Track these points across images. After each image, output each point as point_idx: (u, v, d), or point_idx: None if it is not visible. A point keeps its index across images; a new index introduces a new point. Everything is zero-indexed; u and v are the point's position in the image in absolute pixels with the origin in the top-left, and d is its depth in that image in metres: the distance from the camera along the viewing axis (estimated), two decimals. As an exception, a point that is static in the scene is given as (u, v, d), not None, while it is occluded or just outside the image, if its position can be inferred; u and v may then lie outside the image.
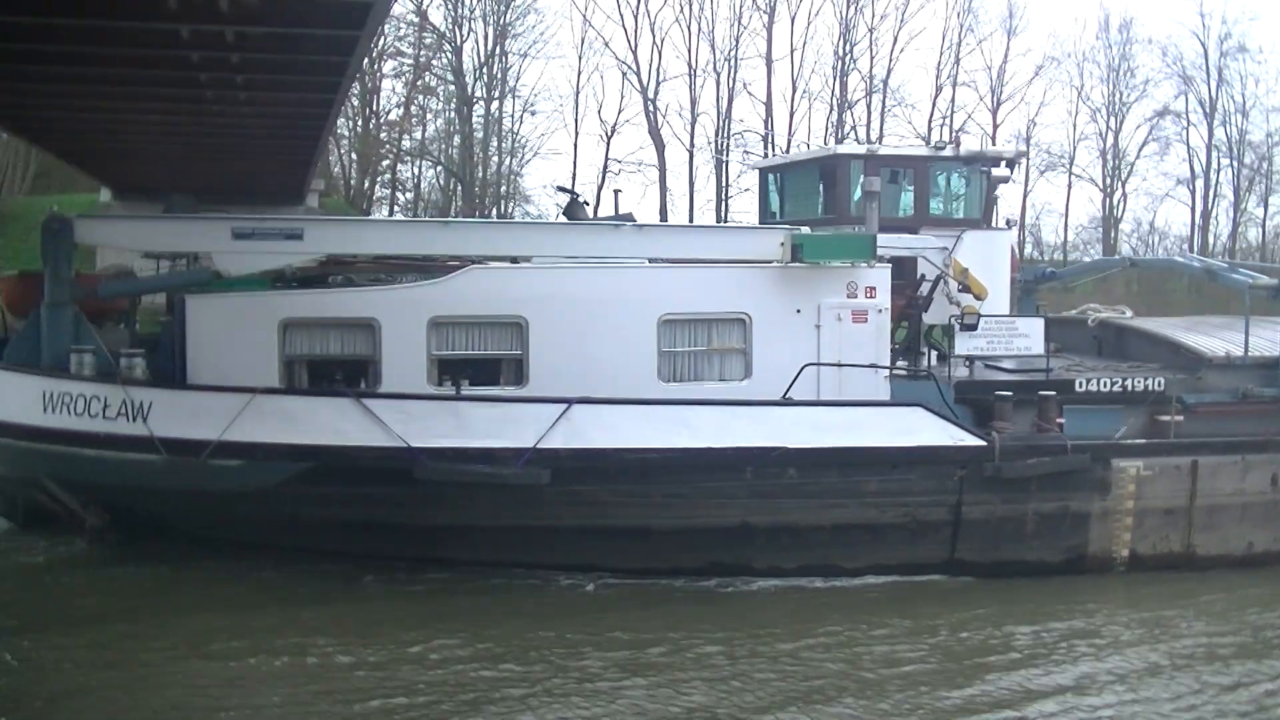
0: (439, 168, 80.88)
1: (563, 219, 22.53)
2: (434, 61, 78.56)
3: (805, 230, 20.09)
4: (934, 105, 78.30)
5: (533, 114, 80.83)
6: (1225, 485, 20.32)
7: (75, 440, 18.38)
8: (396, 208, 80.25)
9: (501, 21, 78.08)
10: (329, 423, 18.08)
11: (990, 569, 19.66)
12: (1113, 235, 77.77)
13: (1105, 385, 20.72)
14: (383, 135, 77.53)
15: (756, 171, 25.40)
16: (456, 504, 18.17)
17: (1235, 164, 79.75)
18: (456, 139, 79.73)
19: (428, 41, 77.63)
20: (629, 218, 21.73)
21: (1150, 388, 20.78)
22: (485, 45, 78.42)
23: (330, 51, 15.42)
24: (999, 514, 19.60)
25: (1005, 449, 19.38)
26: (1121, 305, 23.82)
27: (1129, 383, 20.78)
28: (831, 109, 79.02)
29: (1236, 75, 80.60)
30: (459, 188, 79.60)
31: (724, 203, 78.72)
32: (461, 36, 77.97)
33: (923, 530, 19.44)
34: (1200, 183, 79.15)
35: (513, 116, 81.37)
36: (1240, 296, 22.46)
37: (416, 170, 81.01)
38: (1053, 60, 79.98)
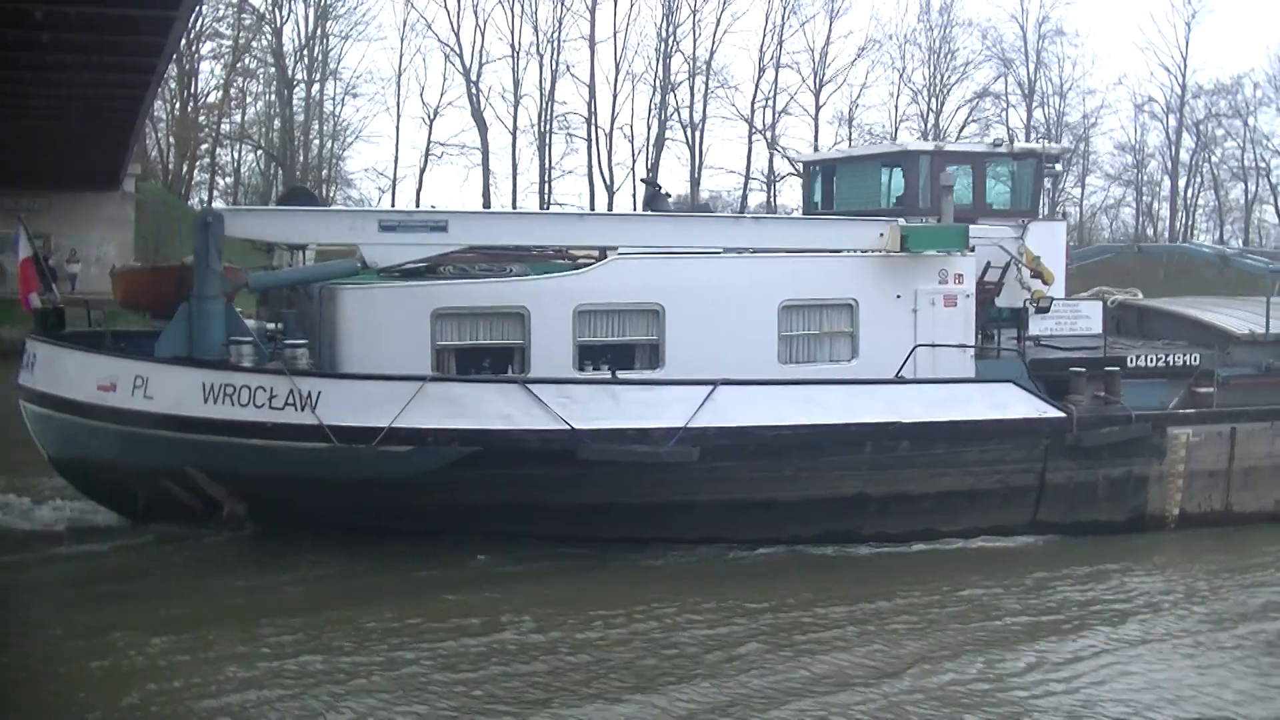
0: (259, 151, 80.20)
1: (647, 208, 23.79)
2: (253, 43, 77.83)
3: (902, 221, 21.83)
4: (757, 87, 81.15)
5: (354, 97, 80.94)
6: (1259, 449, 22.99)
7: (240, 430, 18.89)
8: (216, 192, 79.37)
9: (322, 3, 77.65)
10: (495, 408, 19.06)
11: (1066, 529, 21.84)
12: None
13: (1152, 361, 23.11)
14: (201, 118, 76.49)
15: (801, 165, 26.94)
16: (613, 483, 19.38)
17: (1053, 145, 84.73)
18: (277, 122, 79.23)
19: (247, 23, 77.00)
20: (706, 207, 23.09)
21: (1188, 363, 23.23)
22: (306, 27, 77.98)
23: (145, 32, 15.23)
24: (1076, 479, 21.82)
25: (1082, 420, 21.58)
26: (1132, 288, 26.28)
27: (1170, 358, 23.22)
28: (655, 90, 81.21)
29: (1054, 58, 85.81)
30: (280, 172, 79.13)
31: (547, 185, 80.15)
32: (281, 18, 77.60)
33: (1012, 495, 21.51)
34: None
35: (334, 99, 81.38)
36: (1236, 279, 25.12)
37: (236, 154, 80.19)
38: (875, 42, 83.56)
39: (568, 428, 19.06)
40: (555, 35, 79.18)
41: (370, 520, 19.60)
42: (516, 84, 79.40)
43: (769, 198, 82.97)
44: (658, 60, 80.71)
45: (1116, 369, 22.31)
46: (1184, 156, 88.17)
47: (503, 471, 19.04)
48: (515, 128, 79.59)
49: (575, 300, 20.23)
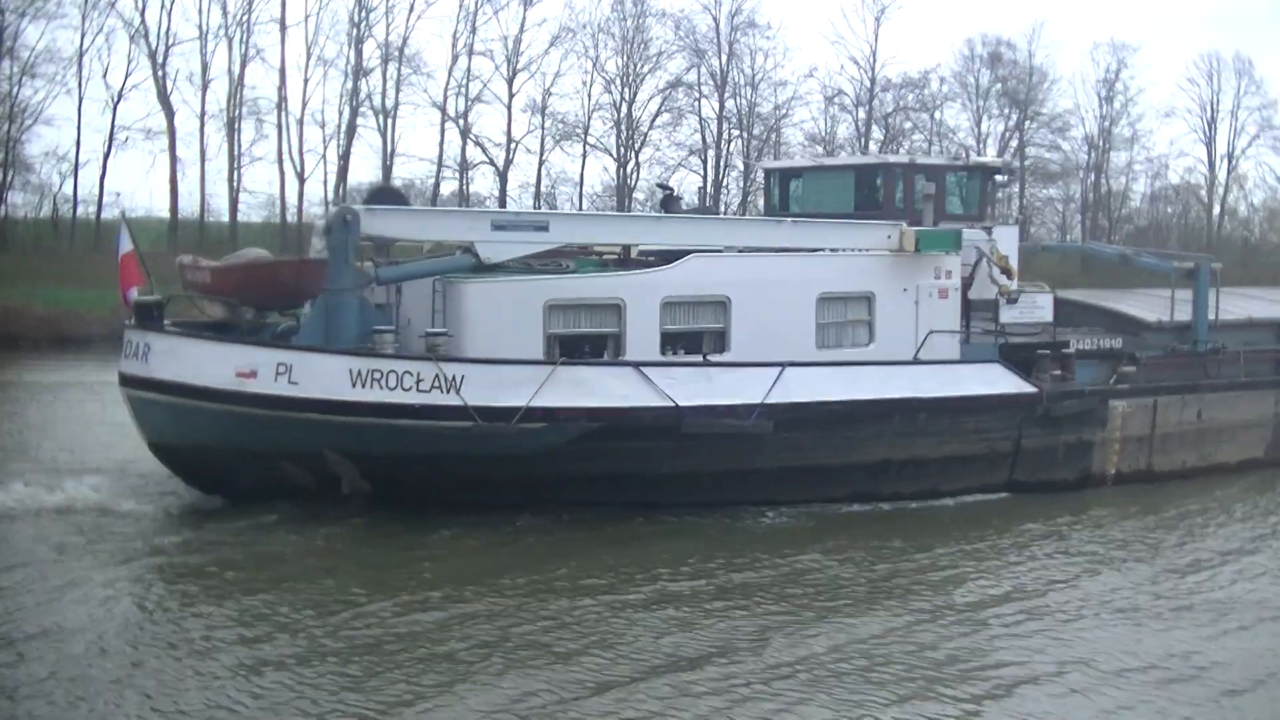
0: (-73, 133, 78.20)
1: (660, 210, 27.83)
2: (-81, 18, 75.90)
3: (904, 225, 26.56)
4: (450, 74, 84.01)
5: (33, 77, 79.48)
6: (1172, 418, 28.95)
7: (389, 412, 21.84)
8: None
9: (-4, -22, 76.18)
10: (615, 388, 22.75)
11: (1032, 487, 27.10)
12: (626, 204, 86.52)
13: (1087, 345, 28.65)
14: None
15: (762, 172, 31.34)
16: (708, 453, 23.34)
17: (745, 135, 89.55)
18: (-52, 102, 77.49)
19: (-89, -4, 74.95)
20: (711, 210, 27.21)
21: (1111, 347, 28.93)
22: (-24, 4, 76.25)
23: None
24: (1042, 445, 27.14)
25: (1050, 394, 26.88)
26: (1039, 281, 31.82)
27: (1100, 343, 28.85)
28: (346, 76, 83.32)
29: (746, 49, 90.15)
30: (-48, 156, 77.51)
31: (237, 171, 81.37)
32: (-50, -8, 75.67)
33: (996, 459, 26.65)
34: (712, 153, 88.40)
35: (11, 79, 79.79)
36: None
37: (-102, 138, 77.83)
38: (569, 31, 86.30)
39: (673, 405, 22.92)
40: (245, 18, 79.93)
41: (497, 494, 22.83)
42: (205, 67, 79.81)
43: (461, 186, 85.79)
44: (350, 45, 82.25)
45: (1072, 352, 27.75)
46: (873, 148, 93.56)
47: (619, 445, 22.72)
48: (204, 113, 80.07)
49: (662, 293, 24.10)
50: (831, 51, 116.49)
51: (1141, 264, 32.63)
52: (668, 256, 25.38)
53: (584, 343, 23.83)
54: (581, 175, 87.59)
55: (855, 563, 21.50)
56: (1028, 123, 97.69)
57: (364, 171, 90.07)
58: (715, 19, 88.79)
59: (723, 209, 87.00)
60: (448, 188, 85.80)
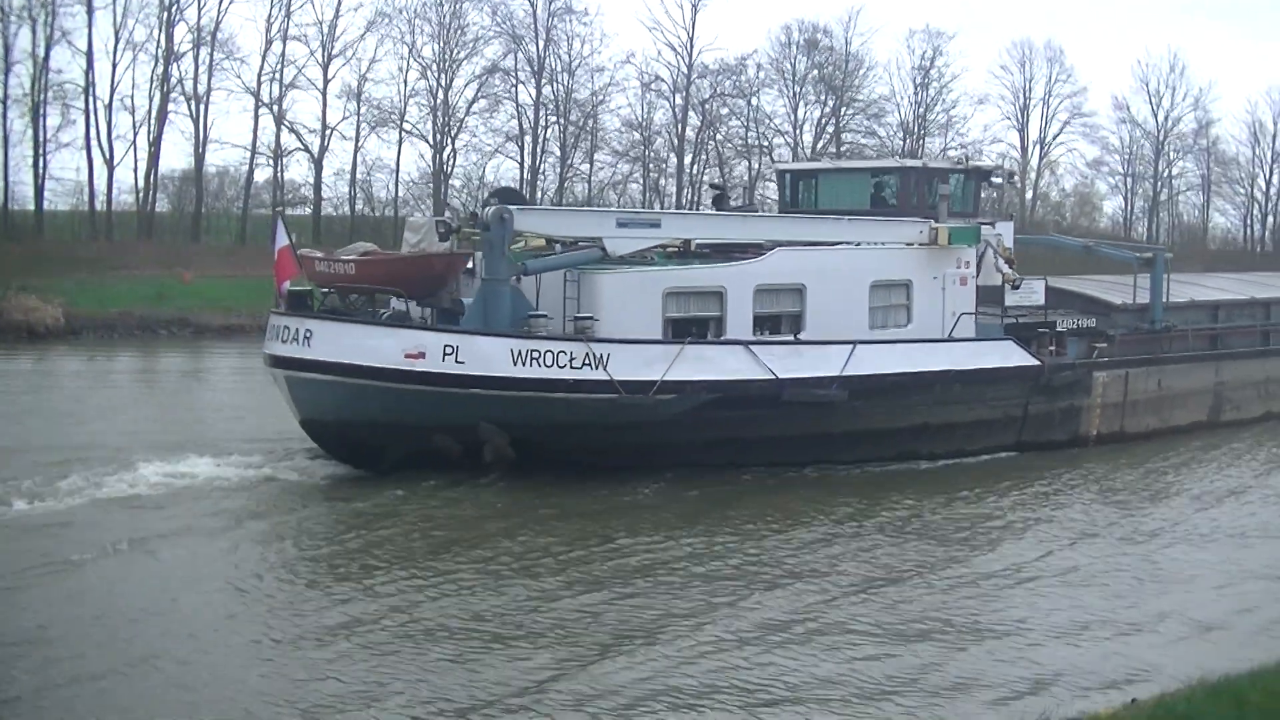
0: None
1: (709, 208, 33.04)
2: None
3: (933, 222, 32.31)
4: (264, 59, 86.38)
5: None
6: (1139, 387, 35.51)
7: (546, 386, 26.58)
8: None
9: None
10: (729, 364, 27.93)
11: (1036, 446, 33.23)
12: (443, 191, 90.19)
13: (1071, 324, 34.89)
14: None
15: (776, 173, 36.84)
16: (797, 419, 28.69)
17: (562, 121, 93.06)
18: None
19: None
20: (752, 208, 32.64)
21: (1090, 326, 35.27)
22: None
23: None
24: (1044, 410, 33.33)
25: (1050, 367, 33.03)
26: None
27: (1079, 323, 35.15)
28: (157, 61, 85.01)
29: (564, 35, 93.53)
30: None
31: (43, 158, 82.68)
32: None
33: (1009, 423, 32.77)
34: (529, 139, 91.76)
35: None
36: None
37: None
38: (385, 16, 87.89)
39: (775, 377, 28.21)
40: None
41: (627, 458, 27.70)
42: (7, 50, 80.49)
43: (276, 173, 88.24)
44: (160, 29, 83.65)
45: (1064, 330, 33.98)
46: (690, 134, 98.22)
47: (731, 412, 27.88)
48: (6, 97, 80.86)
49: (755, 281, 29.35)
50: (649, 38, 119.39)
51: (1104, 254, 39.30)
52: (723, 249, 30.73)
53: (692, 325, 28.92)
54: (397, 162, 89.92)
55: (968, 506, 27.39)
56: (844, 109, 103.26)
57: (175, 158, 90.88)
58: (532, 4, 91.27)
59: (539, 197, 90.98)
60: (262, 175, 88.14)
